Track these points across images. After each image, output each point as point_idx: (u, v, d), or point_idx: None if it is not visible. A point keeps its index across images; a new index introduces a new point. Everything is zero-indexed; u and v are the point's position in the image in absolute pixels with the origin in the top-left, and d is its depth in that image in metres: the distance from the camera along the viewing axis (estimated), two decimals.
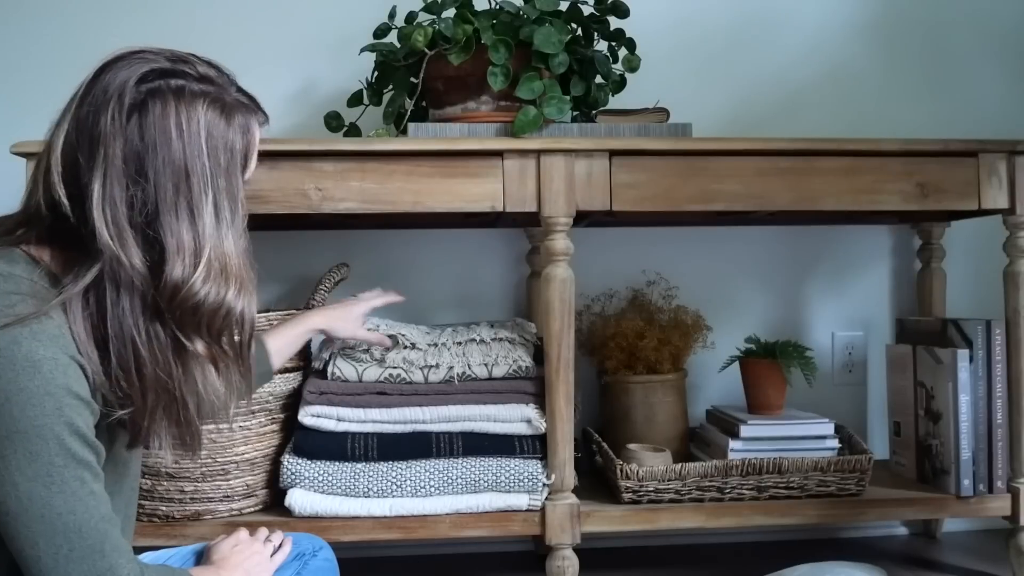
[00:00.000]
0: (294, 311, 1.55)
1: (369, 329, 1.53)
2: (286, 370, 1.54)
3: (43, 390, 0.78)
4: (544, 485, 1.47)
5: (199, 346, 0.88)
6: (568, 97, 1.56)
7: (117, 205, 0.83)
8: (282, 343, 1.44)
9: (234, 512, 1.48)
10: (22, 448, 0.78)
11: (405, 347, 1.53)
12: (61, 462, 0.79)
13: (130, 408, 0.86)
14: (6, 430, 0.78)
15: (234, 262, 0.88)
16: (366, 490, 1.45)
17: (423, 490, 1.46)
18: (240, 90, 0.94)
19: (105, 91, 0.86)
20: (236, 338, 0.92)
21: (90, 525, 0.80)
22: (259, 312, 1.52)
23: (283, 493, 1.47)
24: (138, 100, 0.85)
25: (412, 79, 1.63)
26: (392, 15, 1.68)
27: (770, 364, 1.69)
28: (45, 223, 0.86)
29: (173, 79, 0.87)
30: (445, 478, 1.46)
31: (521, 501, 1.48)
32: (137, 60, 0.87)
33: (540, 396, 1.50)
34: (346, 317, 1.50)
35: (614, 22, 1.67)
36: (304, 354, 1.61)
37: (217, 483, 1.46)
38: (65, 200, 0.85)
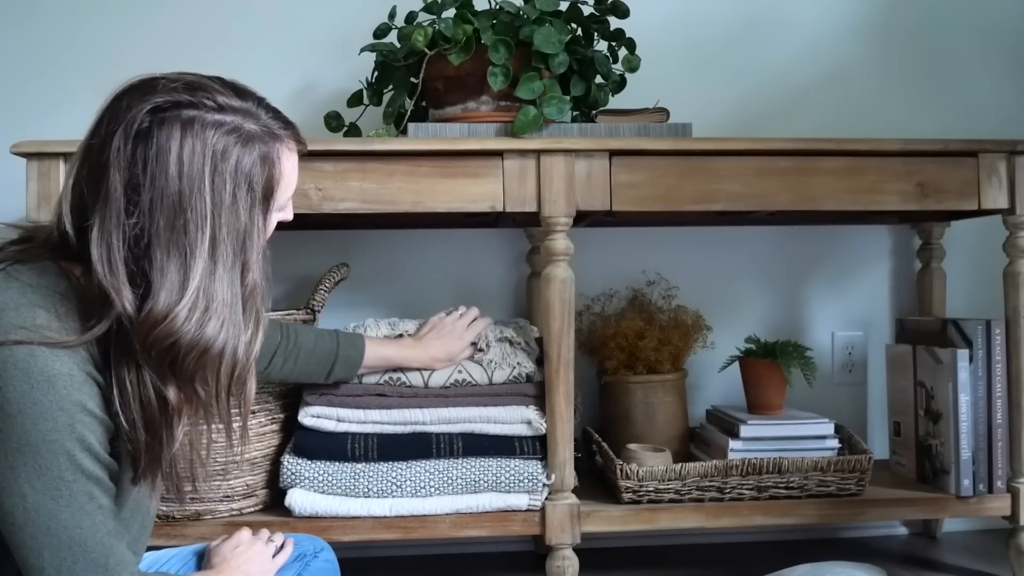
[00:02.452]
0: (294, 311, 1.54)
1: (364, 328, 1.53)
2: None
3: (56, 405, 0.78)
4: (544, 485, 1.47)
5: (171, 393, 0.85)
6: (568, 97, 1.56)
7: (113, 242, 0.81)
8: (378, 363, 1.46)
9: (234, 512, 1.48)
10: (32, 461, 0.78)
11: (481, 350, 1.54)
12: (70, 477, 0.79)
13: (128, 443, 0.85)
14: (18, 442, 0.78)
15: (222, 303, 0.84)
16: (366, 490, 1.45)
17: (423, 490, 1.46)
18: (275, 115, 0.90)
19: (114, 120, 0.83)
20: (212, 384, 0.87)
21: (96, 540, 0.80)
22: None
23: (283, 493, 1.47)
24: (143, 131, 0.82)
25: (412, 79, 1.63)
26: (392, 15, 1.68)
27: (770, 364, 1.69)
28: (64, 247, 0.86)
29: (186, 109, 0.84)
30: (445, 478, 1.46)
31: (521, 501, 1.48)
32: (151, 89, 0.84)
33: (540, 398, 1.50)
34: (444, 359, 1.49)
35: (614, 22, 1.67)
36: None
37: (217, 483, 1.46)
38: (71, 232, 0.85)
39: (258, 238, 0.88)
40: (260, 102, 0.90)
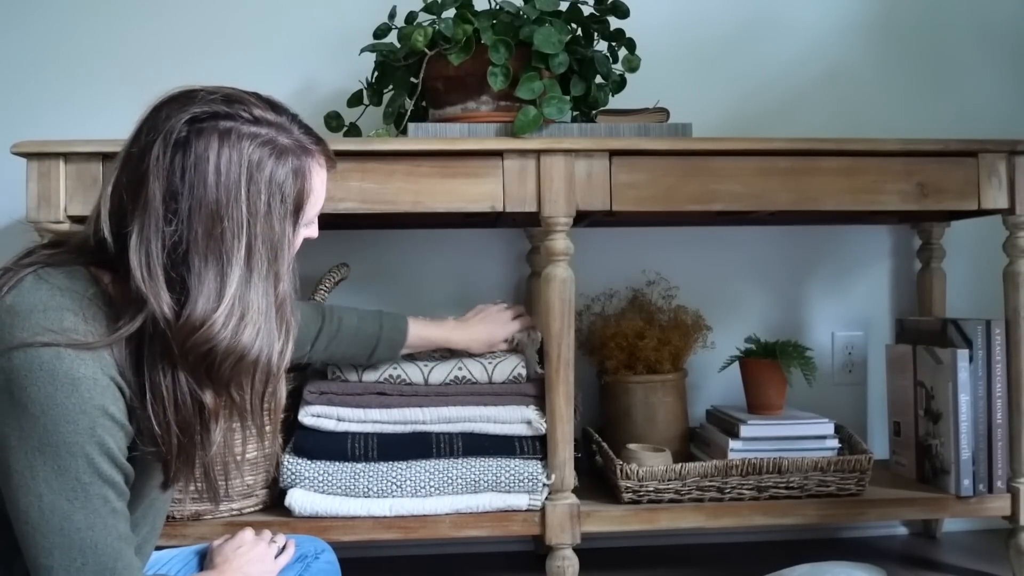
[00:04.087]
0: None
1: None
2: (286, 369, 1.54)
3: (79, 408, 0.79)
4: (544, 485, 1.48)
5: (207, 397, 0.87)
6: (568, 97, 1.56)
7: (152, 249, 0.83)
8: (421, 343, 1.48)
9: (234, 512, 1.48)
10: (52, 461, 0.79)
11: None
12: (87, 479, 0.80)
13: (159, 447, 0.86)
14: (38, 442, 0.79)
15: (257, 311, 0.86)
16: (366, 490, 1.45)
17: (423, 490, 1.46)
18: (307, 131, 0.92)
19: (154, 130, 0.85)
20: (248, 390, 0.90)
21: (106, 543, 0.81)
22: None
23: (283, 493, 1.47)
24: (182, 140, 0.84)
25: (412, 79, 1.63)
26: (392, 15, 1.68)
27: (770, 364, 1.69)
28: (97, 253, 0.87)
29: (223, 121, 0.85)
30: (445, 478, 1.46)
31: (521, 501, 1.48)
32: (190, 100, 0.86)
33: (540, 398, 1.50)
34: (486, 343, 1.52)
35: (614, 22, 1.67)
36: None
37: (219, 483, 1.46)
38: (109, 238, 0.86)
39: (288, 249, 0.90)
40: (293, 118, 0.92)
